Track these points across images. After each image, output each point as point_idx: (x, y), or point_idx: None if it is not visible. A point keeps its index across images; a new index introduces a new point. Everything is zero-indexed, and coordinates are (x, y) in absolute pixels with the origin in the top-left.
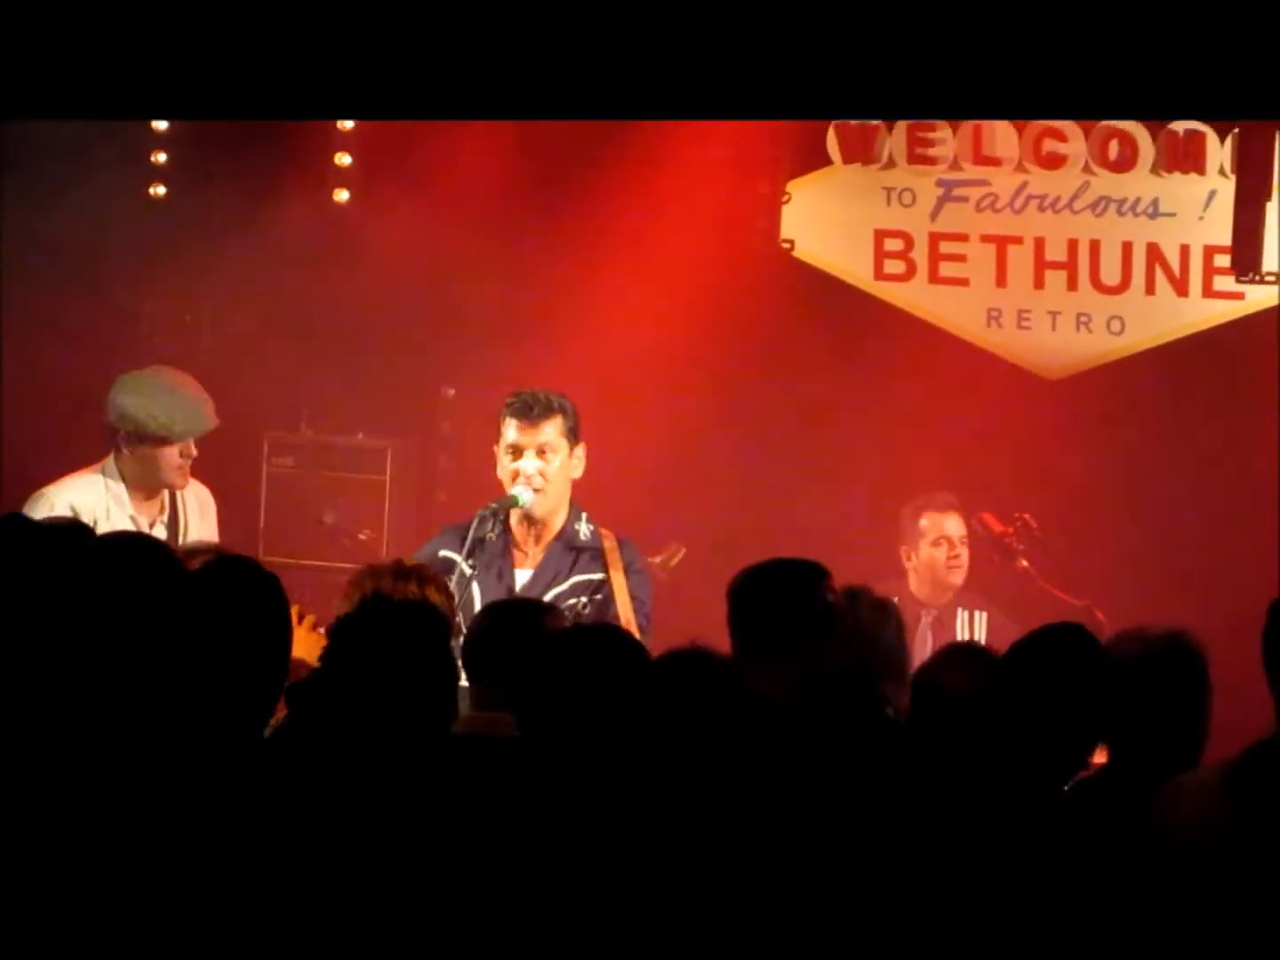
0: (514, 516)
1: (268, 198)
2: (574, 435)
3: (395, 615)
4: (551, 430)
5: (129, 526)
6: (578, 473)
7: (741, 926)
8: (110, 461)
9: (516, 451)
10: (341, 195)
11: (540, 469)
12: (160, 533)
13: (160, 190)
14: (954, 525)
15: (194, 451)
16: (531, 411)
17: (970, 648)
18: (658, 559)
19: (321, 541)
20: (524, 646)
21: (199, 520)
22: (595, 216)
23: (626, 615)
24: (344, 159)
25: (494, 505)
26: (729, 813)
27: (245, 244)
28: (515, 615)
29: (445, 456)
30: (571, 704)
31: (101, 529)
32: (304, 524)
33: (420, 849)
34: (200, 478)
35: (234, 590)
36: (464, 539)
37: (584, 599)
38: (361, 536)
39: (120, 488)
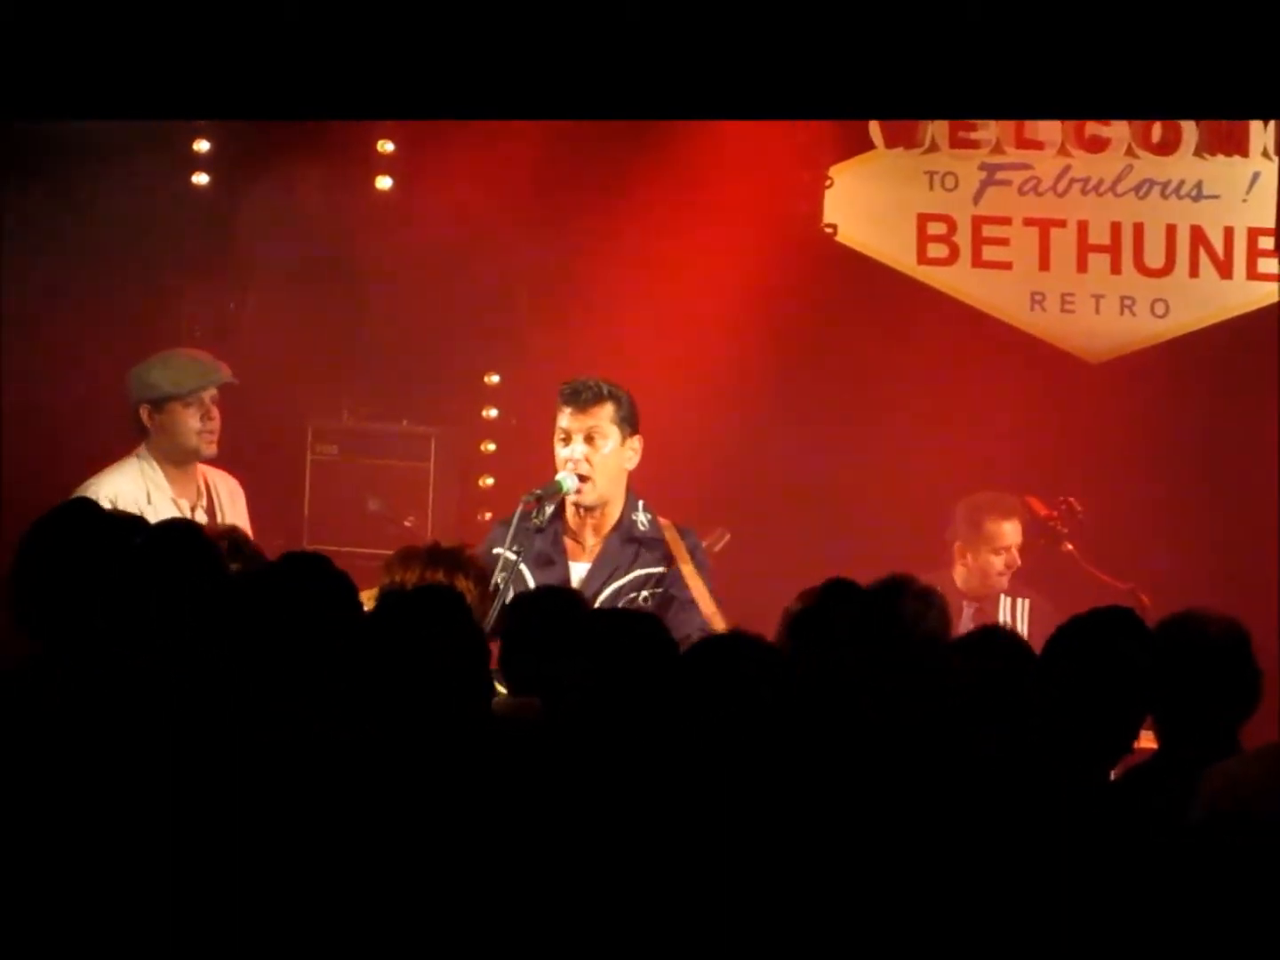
0: (567, 507)
1: (310, 185)
2: (628, 424)
3: (406, 606)
4: (601, 416)
5: (172, 510)
6: (632, 463)
7: (772, 914)
8: (142, 448)
9: (566, 437)
10: (384, 182)
11: (587, 454)
12: (201, 518)
13: (202, 179)
14: (1015, 532)
15: (215, 415)
16: (580, 397)
17: (999, 631)
18: (703, 544)
19: (366, 529)
20: (553, 633)
21: (231, 507)
22: (637, 203)
23: (709, 608)
24: (386, 146)
25: (538, 491)
26: (764, 799)
27: (287, 232)
28: (545, 603)
29: (489, 442)
30: (599, 689)
31: (146, 515)
32: (348, 511)
33: (445, 834)
34: (244, 466)
35: (306, 588)
36: (523, 530)
37: (645, 592)
38: (406, 523)
39: (156, 472)
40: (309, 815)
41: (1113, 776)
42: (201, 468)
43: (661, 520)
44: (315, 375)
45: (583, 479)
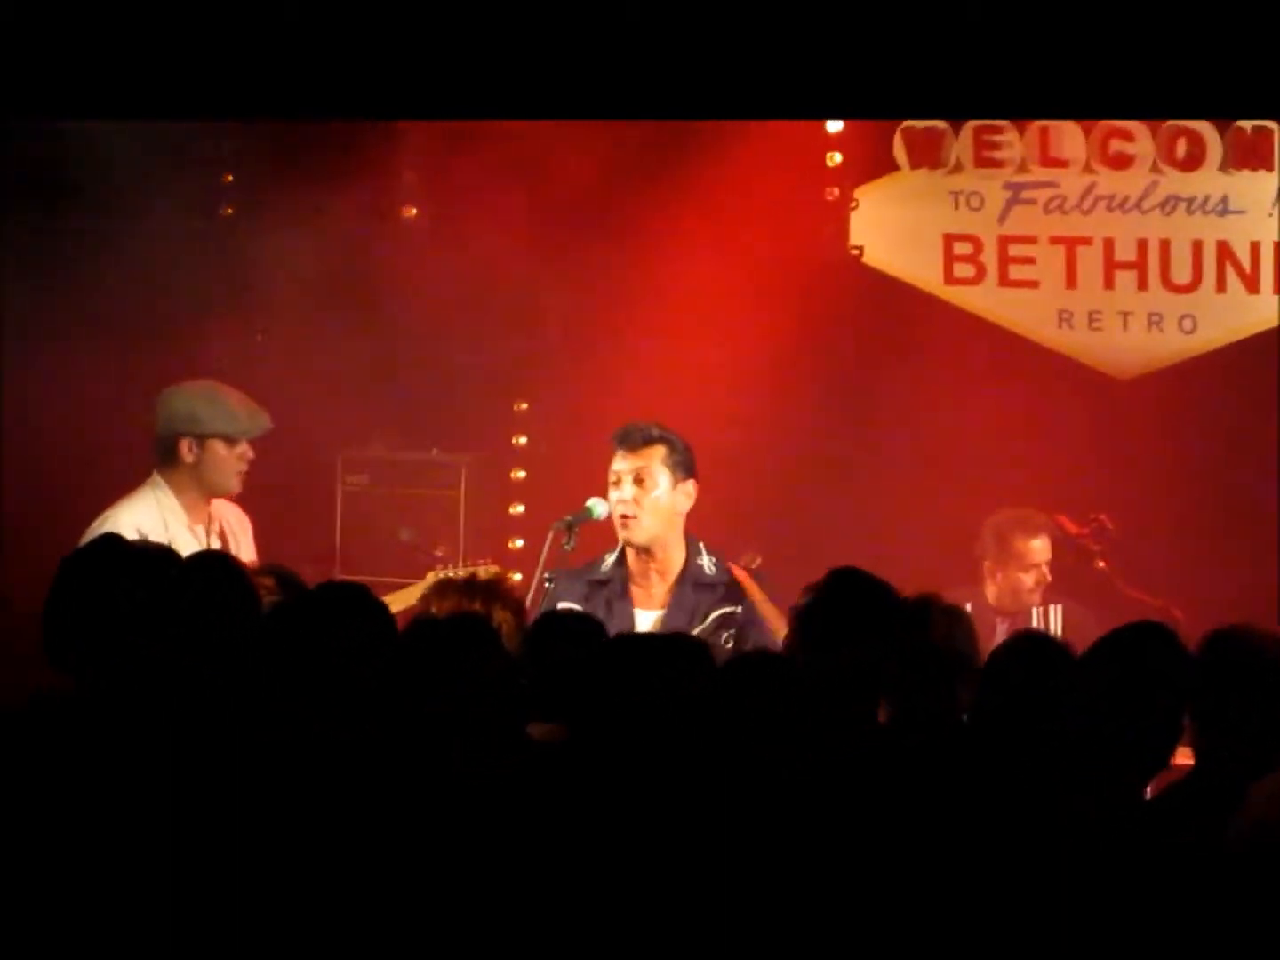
0: (627, 552)
1: (335, 216)
2: (681, 469)
3: (437, 635)
4: (651, 458)
5: (189, 538)
6: (685, 507)
7: (803, 936)
8: (156, 477)
9: (617, 480)
10: (410, 211)
11: (635, 495)
12: (215, 544)
13: (230, 211)
14: (1044, 549)
15: (250, 455)
16: (630, 439)
17: (1038, 638)
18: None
19: (398, 558)
20: (581, 658)
21: (241, 537)
22: (662, 227)
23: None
24: (411, 175)
25: (568, 518)
26: (795, 817)
27: (315, 262)
28: (573, 627)
29: (519, 470)
30: (621, 715)
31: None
32: (380, 541)
33: (476, 856)
34: (275, 497)
35: (341, 617)
36: (577, 582)
37: (725, 634)
38: (438, 553)
39: (172, 500)
40: (345, 843)
41: (1148, 793)
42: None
43: (728, 562)
44: (345, 405)
45: (625, 518)
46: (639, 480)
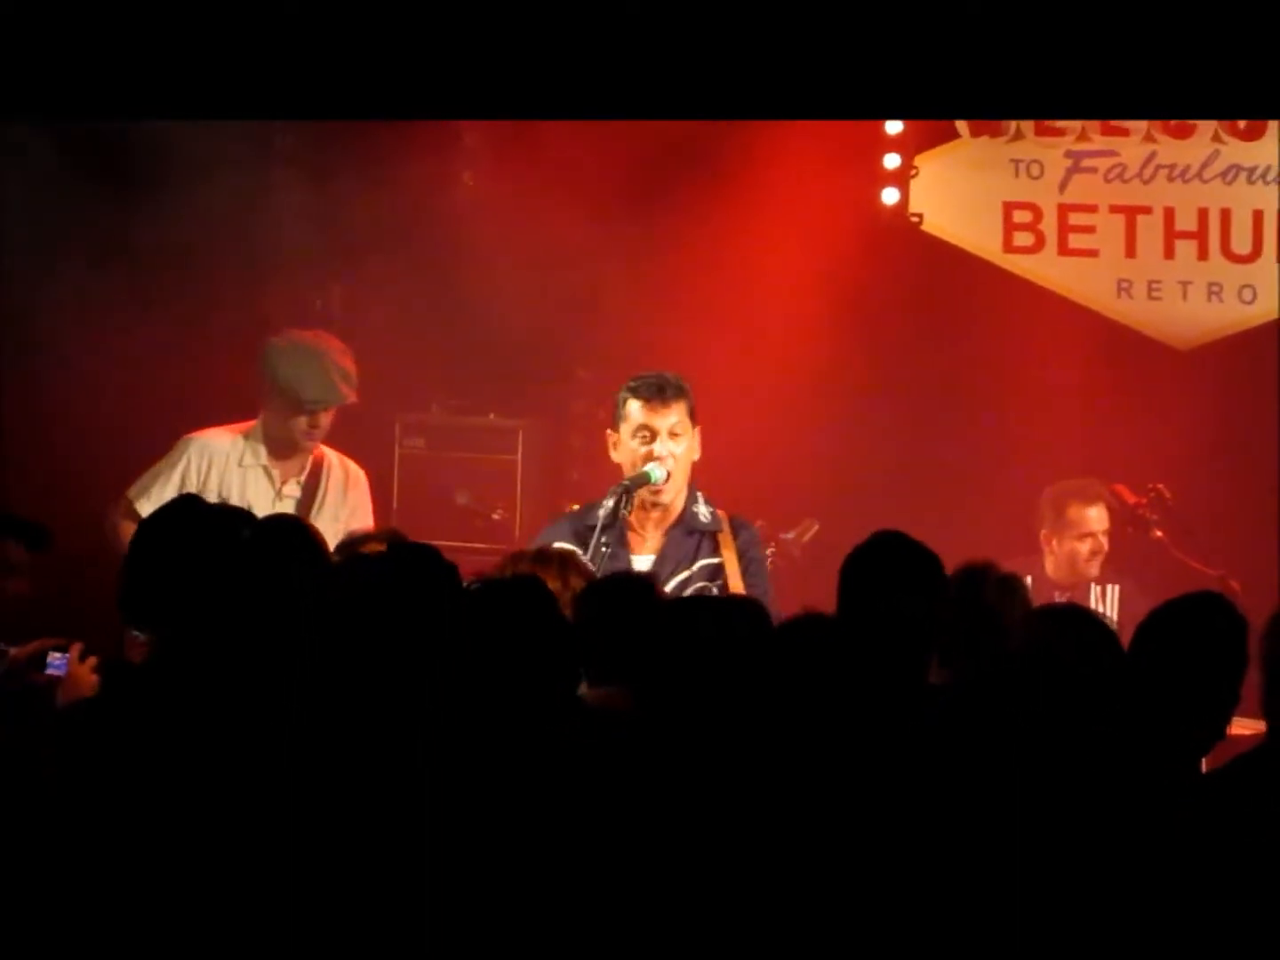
0: (636, 500)
1: (396, 182)
2: (694, 417)
3: (498, 596)
4: (681, 412)
5: (260, 476)
6: (697, 455)
7: (861, 897)
8: (260, 417)
9: (650, 433)
10: (470, 178)
11: (672, 450)
12: (294, 491)
13: (288, 174)
14: (1100, 518)
15: (323, 423)
16: (665, 393)
17: (1074, 611)
18: (790, 534)
19: (455, 522)
20: (636, 621)
21: (339, 494)
22: (723, 196)
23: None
24: (473, 139)
25: (626, 483)
26: (854, 782)
27: (374, 229)
28: (625, 590)
29: (577, 436)
30: (690, 677)
31: (231, 475)
32: (437, 505)
33: (536, 821)
34: None
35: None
36: (577, 529)
37: (711, 584)
38: (495, 516)
39: (257, 444)
40: (412, 799)
41: (1205, 765)
42: (327, 451)
43: (720, 511)
44: (403, 370)
45: (668, 474)
46: (672, 435)
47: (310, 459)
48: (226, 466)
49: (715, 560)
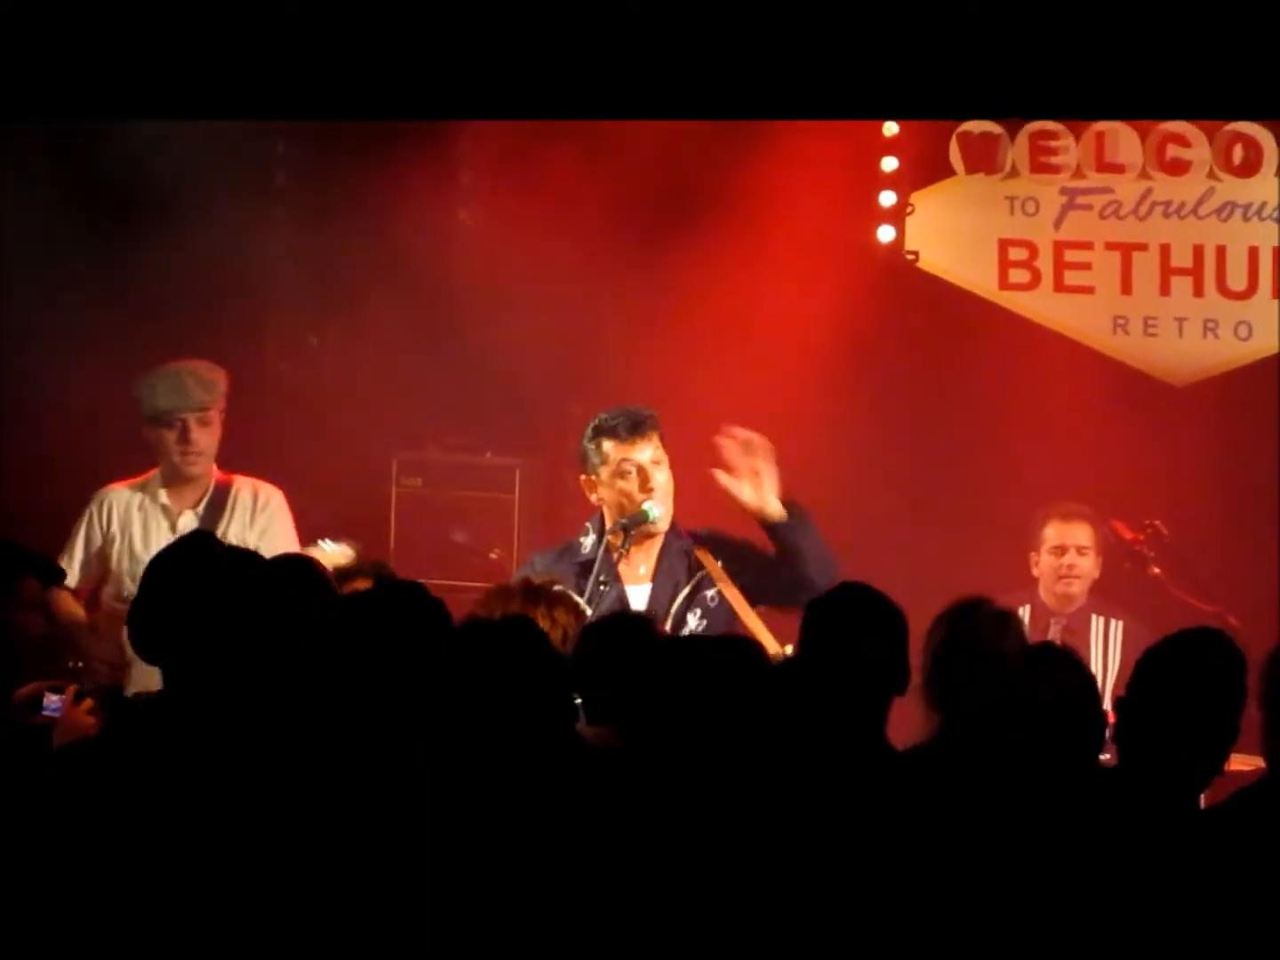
0: (620, 536)
1: (391, 218)
2: (662, 439)
3: (489, 636)
4: (655, 441)
5: (157, 513)
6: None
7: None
8: None
9: (635, 468)
10: (466, 214)
11: (660, 482)
12: (191, 521)
13: (282, 211)
14: (1074, 533)
15: (196, 438)
16: (639, 427)
17: (1051, 649)
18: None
19: (452, 561)
20: (631, 659)
21: (245, 520)
22: (719, 233)
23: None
24: (468, 178)
25: (624, 522)
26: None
27: (370, 267)
28: (624, 631)
29: (573, 474)
30: (682, 714)
31: (131, 521)
32: (434, 544)
33: (530, 857)
34: (330, 500)
35: (397, 618)
36: (568, 567)
37: (707, 591)
38: (492, 555)
39: (158, 485)
40: (408, 836)
41: (1203, 800)
42: (237, 479)
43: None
44: (400, 408)
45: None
46: (655, 463)
47: (210, 487)
48: (126, 513)
49: (703, 571)
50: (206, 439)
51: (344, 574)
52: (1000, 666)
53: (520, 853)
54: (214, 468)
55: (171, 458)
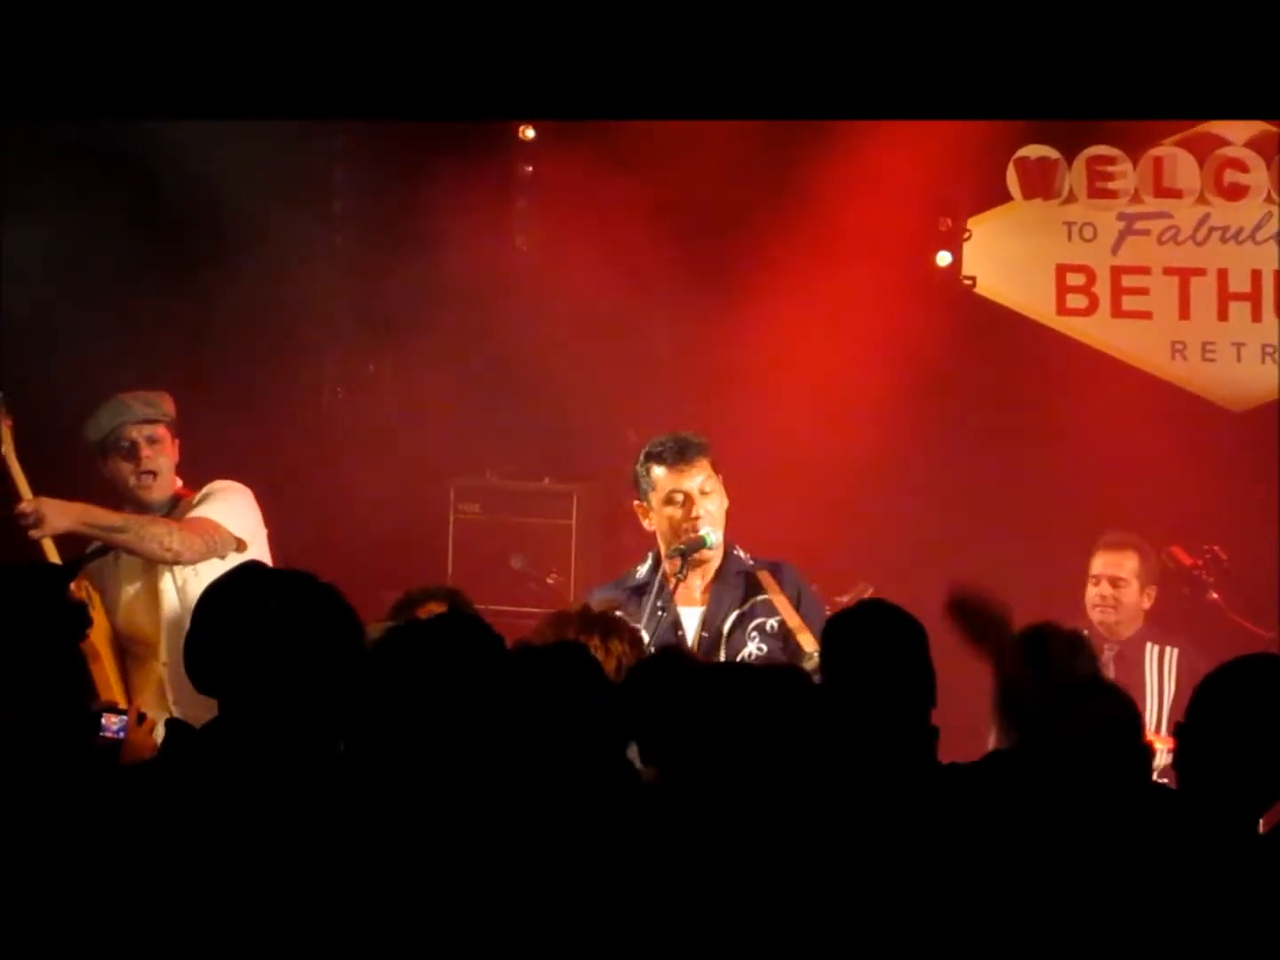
0: (675, 562)
1: (448, 246)
2: (716, 466)
3: (539, 664)
4: (704, 468)
5: (132, 566)
6: (727, 501)
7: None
8: None
9: (683, 496)
10: (522, 241)
11: (709, 510)
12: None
13: (340, 239)
14: (1116, 563)
15: (145, 455)
16: (687, 454)
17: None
18: (845, 597)
19: (510, 586)
20: (666, 702)
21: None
22: (774, 259)
23: (811, 646)
24: (524, 203)
25: (681, 548)
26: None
27: (427, 293)
28: (667, 670)
29: (629, 499)
30: (717, 750)
31: (104, 567)
32: (492, 569)
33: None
34: (388, 526)
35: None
36: (626, 595)
37: (767, 619)
38: (549, 580)
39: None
40: (454, 861)
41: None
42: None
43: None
44: (457, 435)
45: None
46: (704, 493)
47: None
48: (100, 562)
49: (764, 596)
50: (159, 458)
51: (417, 598)
52: (1073, 689)
53: (565, 881)
54: (176, 489)
55: (129, 484)
